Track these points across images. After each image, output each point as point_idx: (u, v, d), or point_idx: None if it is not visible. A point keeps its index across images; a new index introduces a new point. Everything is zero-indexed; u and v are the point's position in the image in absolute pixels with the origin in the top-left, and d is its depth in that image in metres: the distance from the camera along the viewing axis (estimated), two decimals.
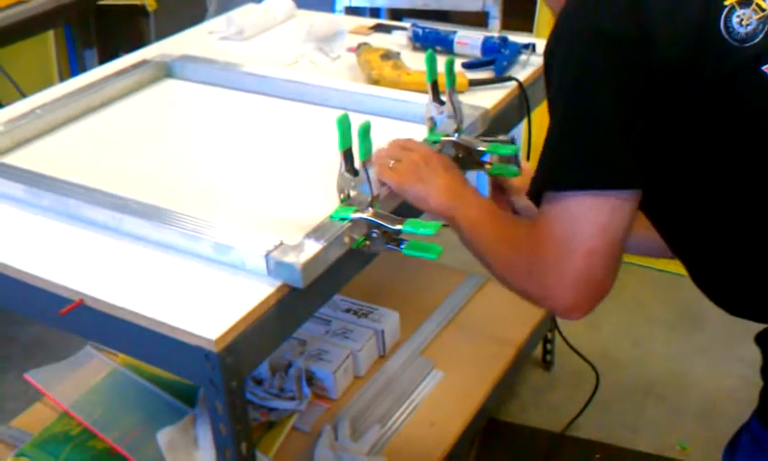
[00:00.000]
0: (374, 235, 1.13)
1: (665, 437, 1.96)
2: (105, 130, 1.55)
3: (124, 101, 1.65)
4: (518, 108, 1.60)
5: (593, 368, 2.02)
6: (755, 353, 1.07)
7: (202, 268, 1.10)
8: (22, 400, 1.96)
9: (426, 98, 1.34)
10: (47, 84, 1.96)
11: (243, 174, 1.36)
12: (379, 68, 1.61)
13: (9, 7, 2.41)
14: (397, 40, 1.83)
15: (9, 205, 1.28)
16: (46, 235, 1.20)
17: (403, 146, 1.22)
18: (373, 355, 1.88)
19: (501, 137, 1.35)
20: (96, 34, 2.86)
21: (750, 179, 0.95)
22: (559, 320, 2.04)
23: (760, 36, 0.91)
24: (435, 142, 1.33)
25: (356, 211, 1.12)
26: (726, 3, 0.91)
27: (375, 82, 1.61)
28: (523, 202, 1.30)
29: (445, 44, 1.74)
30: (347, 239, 1.11)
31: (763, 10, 0.92)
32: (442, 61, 1.32)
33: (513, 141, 1.35)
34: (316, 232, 1.09)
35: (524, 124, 1.66)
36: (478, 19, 2.71)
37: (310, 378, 1.77)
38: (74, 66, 2.90)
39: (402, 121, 1.47)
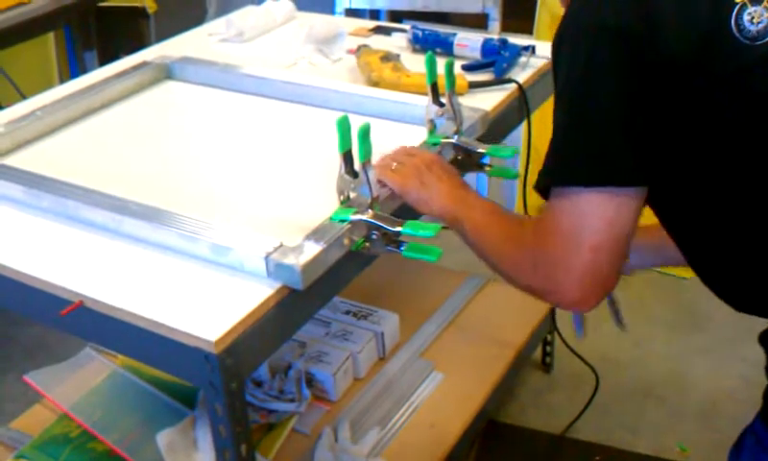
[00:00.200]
0: (374, 237, 1.13)
1: (665, 439, 1.96)
2: (105, 131, 1.55)
3: (124, 102, 1.65)
4: (518, 110, 1.60)
5: (593, 370, 2.02)
6: (755, 354, 1.07)
7: (201, 269, 1.10)
8: (22, 401, 1.96)
9: (426, 100, 1.35)
10: (47, 85, 1.97)
11: (243, 175, 1.36)
12: (379, 70, 1.61)
13: (9, 9, 2.41)
14: (397, 42, 1.83)
15: (9, 206, 1.28)
16: (46, 237, 1.20)
17: (407, 152, 1.23)
18: (373, 357, 1.88)
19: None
20: (96, 35, 2.87)
21: (757, 175, 0.95)
22: (558, 322, 2.04)
23: None
24: (435, 144, 1.33)
25: (356, 213, 1.12)
26: (737, 0, 0.91)
27: (375, 84, 1.61)
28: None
29: (445, 46, 1.74)
30: (346, 241, 1.11)
31: None
32: (441, 63, 1.32)
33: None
34: (316, 234, 1.09)
35: (524, 126, 1.66)
36: (478, 21, 2.71)
37: (310, 380, 1.77)
38: (74, 68, 2.90)
39: (402, 123, 1.47)
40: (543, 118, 2.07)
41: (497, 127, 1.50)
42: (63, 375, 1.85)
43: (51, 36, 3.13)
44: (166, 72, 1.74)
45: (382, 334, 1.88)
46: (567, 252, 0.94)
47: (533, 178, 1.70)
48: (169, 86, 1.73)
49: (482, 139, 1.40)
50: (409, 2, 2.79)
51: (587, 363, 2.02)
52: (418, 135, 1.37)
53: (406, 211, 1.21)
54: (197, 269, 1.10)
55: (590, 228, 0.93)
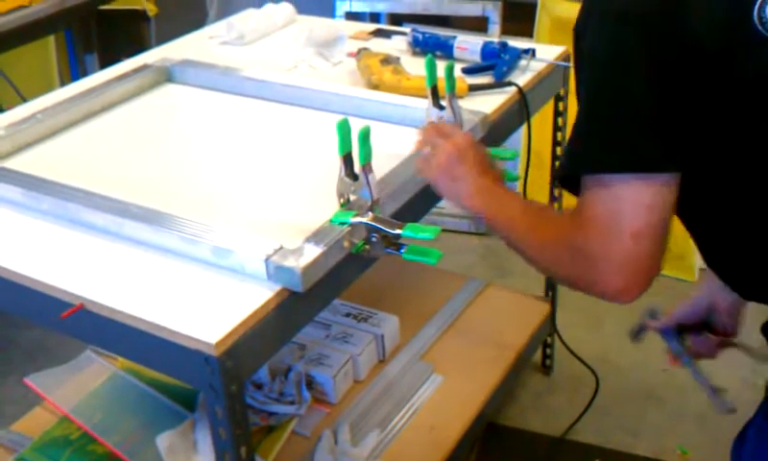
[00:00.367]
0: (374, 239, 1.13)
1: (665, 441, 1.96)
2: (105, 134, 1.55)
3: (125, 105, 1.65)
4: (518, 113, 1.60)
5: (593, 372, 2.02)
6: None
7: (201, 272, 1.10)
8: (22, 404, 1.96)
9: (426, 103, 1.35)
10: (48, 88, 1.97)
11: (243, 178, 1.36)
12: (379, 73, 1.62)
13: (10, 12, 2.41)
14: (397, 45, 1.83)
15: (9, 209, 1.28)
16: (47, 239, 1.21)
17: (440, 131, 1.22)
18: (373, 360, 1.88)
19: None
20: (97, 38, 2.87)
21: None
22: (558, 324, 2.05)
23: None
24: None
25: (356, 216, 1.12)
26: None
27: (375, 86, 1.61)
28: None
29: (445, 49, 1.75)
30: (346, 243, 1.11)
31: None
32: (441, 66, 1.33)
33: None
34: (316, 237, 1.09)
35: (524, 129, 1.66)
36: (478, 24, 2.72)
37: (310, 383, 1.77)
38: (75, 71, 2.90)
39: (402, 126, 1.47)
40: (543, 121, 2.08)
41: (497, 130, 1.51)
42: (64, 377, 1.85)
43: (52, 38, 3.14)
44: (167, 75, 1.75)
45: (382, 337, 1.88)
46: (607, 240, 0.92)
47: (533, 180, 1.72)
48: (169, 89, 1.73)
49: (482, 142, 1.40)
50: (409, 5, 2.79)
51: (587, 365, 2.02)
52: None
53: (406, 214, 1.21)
54: (197, 271, 1.10)
55: (629, 214, 0.91)
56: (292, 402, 1.72)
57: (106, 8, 2.93)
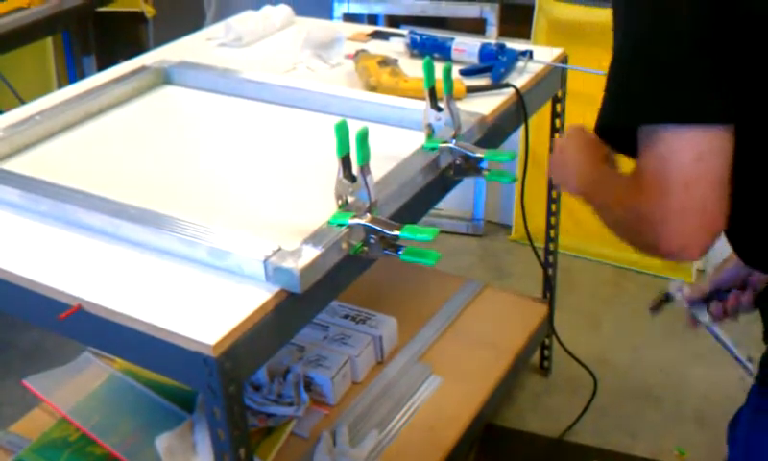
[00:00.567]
0: (372, 241, 1.13)
1: (663, 442, 1.97)
2: (103, 136, 1.55)
3: (122, 107, 1.65)
4: (516, 114, 1.61)
5: (591, 373, 2.02)
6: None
7: (200, 273, 1.10)
8: (20, 405, 1.96)
9: (424, 104, 1.35)
10: (46, 90, 1.97)
11: (241, 180, 1.36)
12: (377, 75, 1.62)
13: (7, 13, 2.41)
14: (395, 47, 1.84)
15: (7, 210, 1.28)
16: (45, 241, 1.21)
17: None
18: (371, 361, 1.88)
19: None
20: (95, 40, 2.87)
21: None
22: (556, 325, 2.05)
23: None
24: (432, 148, 1.34)
25: (354, 217, 1.12)
26: None
27: (373, 88, 1.61)
28: None
29: (443, 51, 1.75)
30: (344, 245, 1.11)
31: None
32: (439, 68, 1.33)
33: None
34: (314, 238, 1.09)
35: (521, 130, 1.67)
36: (475, 26, 2.72)
37: (308, 384, 1.77)
38: (72, 73, 2.90)
39: (400, 127, 1.47)
40: (541, 123, 2.08)
41: (495, 131, 1.51)
42: (62, 379, 1.85)
43: (49, 40, 3.13)
44: (165, 77, 1.75)
45: (380, 338, 1.88)
46: (661, 193, 0.90)
47: (530, 182, 1.72)
48: (167, 91, 1.73)
49: (480, 144, 1.41)
50: (407, 7, 2.80)
51: (584, 366, 2.02)
52: (416, 140, 1.37)
53: (404, 215, 1.21)
54: (195, 273, 1.10)
55: (680, 164, 0.89)
56: (290, 404, 1.73)
57: (103, 10, 2.93)
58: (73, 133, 1.55)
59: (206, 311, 1.03)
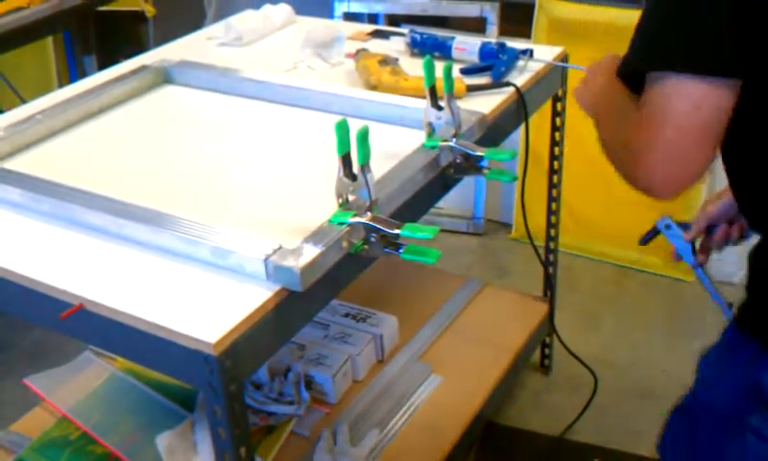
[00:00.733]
0: (373, 239, 1.13)
1: None
2: (104, 135, 1.55)
3: (123, 106, 1.65)
4: (516, 113, 1.61)
5: (592, 372, 2.02)
6: None
7: (201, 272, 1.10)
8: (21, 404, 1.96)
9: (424, 103, 1.35)
10: (46, 89, 1.97)
11: (242, 178, 1.36)
12: (377, 74, 1.62)
13: (8, 13, 2.41)
14: (396, 46, 1.84)
15: (9, 210, 1.28)
16: (46, 240, 1.21)
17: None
18: (372, 360, 1.88)
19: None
20: (95, 40, 2.87)
21: None
22: (557, 324, 2.05)
23: None
24: (433, 147, 1.34)
25: (355, 216, 1.12)
26: None
27: (374, 87, 1.61)
28: None
29: (443, 50, 1.75)
30: (345, 243, 1.11)
31: None
32: (440, 67, 1.33)
33: None
34: (315, 237, 1.10)
35: (522, 129, 1.67)
36: (476, 25, 2.72)
37: (309, 383, 1.77)
38: (73, 72, 2.91)
39: (400, 126, 1.48)
40: (541, 122, 2.08)
41: (495, 130, 1.51)
42: (63, 378, 1.85)
43: (50, 40, 3.14)
44: (165, 76, 1.75)
45: (381, 337, 1.88)
46: (652, 131, 0.94)
47: (531, 180, 1.72)
48: (168, 90, 1.73)
49: (480, 142, 1.41)
50: (407, 6, 2.80)
51: (585, 365, 2.02)
52: (416, 139, 1.37)
53: (405, 214, 1.21)
54: (196, 272, 1.11)
55: (675, 108, 0.93)
56: (291, 402, 1.73)
57: (104, 9, 2.93)
58: (74, 133, 1.56)
59: (207, 310, 1.03)
